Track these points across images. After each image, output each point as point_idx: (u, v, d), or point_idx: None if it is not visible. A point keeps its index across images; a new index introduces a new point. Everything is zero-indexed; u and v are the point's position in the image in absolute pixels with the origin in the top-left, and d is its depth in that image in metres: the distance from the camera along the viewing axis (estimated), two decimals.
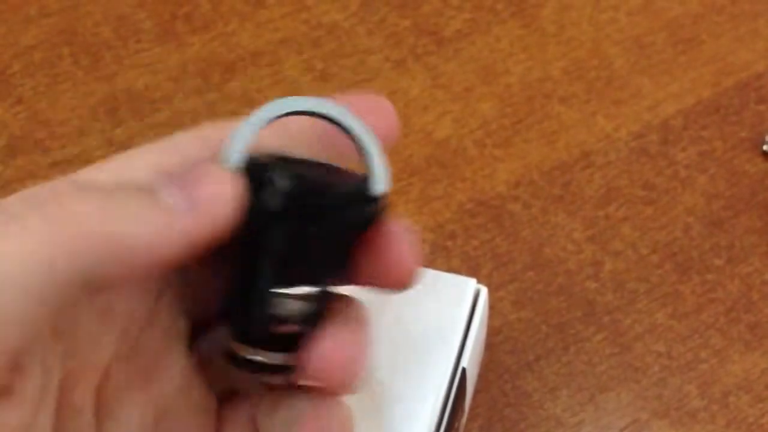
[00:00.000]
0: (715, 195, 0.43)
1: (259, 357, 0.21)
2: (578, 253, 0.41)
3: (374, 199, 0.21)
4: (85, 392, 0.20)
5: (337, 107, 0.21)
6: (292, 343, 0.21)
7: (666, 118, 0.46)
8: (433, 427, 0.29)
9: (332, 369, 0.21)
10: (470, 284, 0.32)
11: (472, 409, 0.37)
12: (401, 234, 0.21)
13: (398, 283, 0.22)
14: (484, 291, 0.33)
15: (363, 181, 0.21)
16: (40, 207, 0.18)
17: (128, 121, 0.47)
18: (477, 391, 0.37)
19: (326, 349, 0.21)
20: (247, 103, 0.47)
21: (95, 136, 0.46)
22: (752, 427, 0.36)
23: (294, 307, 0.21)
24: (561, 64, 0.49)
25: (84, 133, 0.46)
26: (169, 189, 0.19)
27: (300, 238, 0.20)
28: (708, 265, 0.41)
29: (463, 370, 0.31)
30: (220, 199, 0.19)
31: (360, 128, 0.21)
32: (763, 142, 0.45)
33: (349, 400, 0.29)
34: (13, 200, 0.18)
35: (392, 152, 0.45)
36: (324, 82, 0.48)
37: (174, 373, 0.22)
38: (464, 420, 0.35)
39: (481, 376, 0.37)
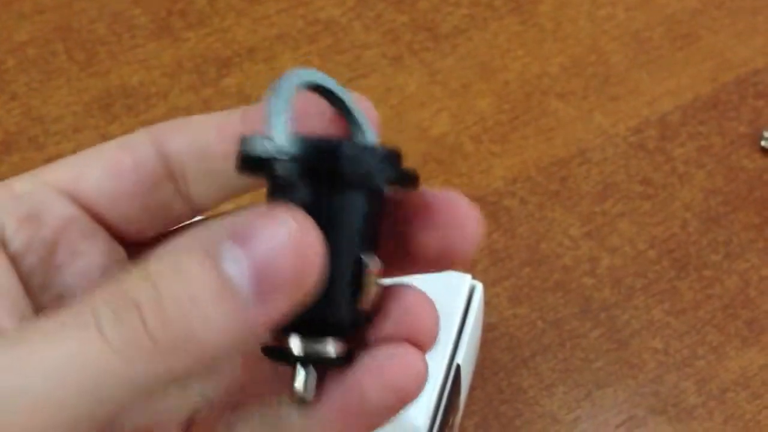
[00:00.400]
0: (713, 191, 0.43)
1: (321, 349, 0.20)
2: (575, 249, 0.41)
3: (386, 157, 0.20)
4: None
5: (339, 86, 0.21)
6: (353, 329, 0.20)
7: (664, 113, 0.46)
8: (427, 423, 0.29)
9: (424, 319, 0.19)
10: (465, 280, 0.32)
11: (467, 405, 0.36)
12: (452, 197, 0.20)
13: (463, 251, 0.20)
14: (479, 287, 0.32)
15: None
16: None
17: (123, 117, 0.46)
18: (473, 388, 0.37)
19: (415, 299, 0.19)
20: (243, 99, 0.47)
21: (90, 132, 0.46)
22: (749, 424, 0.36)
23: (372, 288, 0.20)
24: (558, 60, 0.48)
25: (78, 129, 0.46)
26: (236, 263, 0.17)
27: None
28: (705, 261, 0.41)
29: (458, 366, 0.30)
30: (293, 275, 0.17)
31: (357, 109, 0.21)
32: (761, 138, 0.45)
33: None
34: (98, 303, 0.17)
35: None
36: None
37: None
38: (459, 416, 0.34)
39: (477, 373, 0.37)
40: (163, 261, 0.17)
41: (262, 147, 0.19)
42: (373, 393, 0.19)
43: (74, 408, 0.16)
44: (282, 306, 0.17)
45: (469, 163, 0.44)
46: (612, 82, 0.47)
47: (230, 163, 0.20)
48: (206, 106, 0.47)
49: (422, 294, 0.20)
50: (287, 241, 0.17)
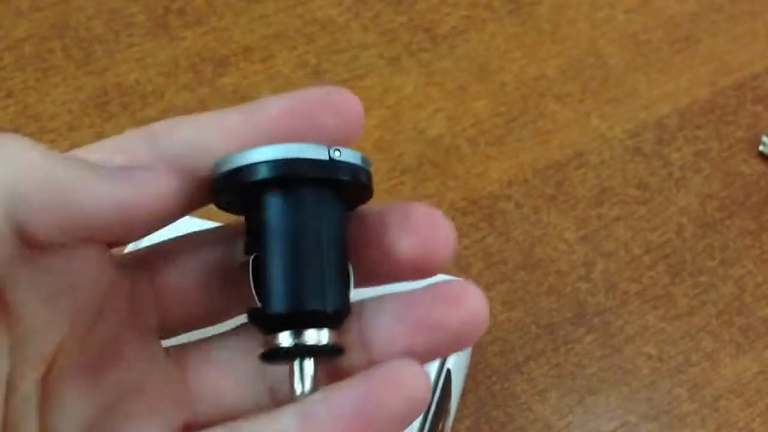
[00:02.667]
0: (710, 196, 0.43)
1: (312, 339, 0.20)
2: (570, 253, 0.41)
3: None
4: (31, 382, 0.20)
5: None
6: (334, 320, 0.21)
7: (661, 117, 0.46)
8: (416, 428, 0.29)
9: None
10: None
11: (459, 410, 0.36)
12: (425, 206, 0.21)
13: (440, 256, 0.21)
14: None
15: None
16: None
17: (119, 116, 0.46)
18: (464, 392, 0.37)
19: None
20: (239, 98, 0.47)
21: (85, 130, 0.46)
22: None
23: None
24: (556, 63, 0.48)
25: (74, 127, 0.46)
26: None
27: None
28: (701, 267, 0.41)
29: (448, 371, 0.30)
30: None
31: None
32: (760, 143, 0.44)
33: None
34: None
35: (384, 150, 0.45)
36: (317, 78, 0.48)
37: (137, 359, 0.21)
38: (450, 421, 0.34)
39: (469, 377, 0.37)
40: None
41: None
42: (391, 402, 0.20)
43: None
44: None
45: (465, 165, 0.44)
46: (610, 85, 0.47)
47: None
48: (202, 105, 0.46)
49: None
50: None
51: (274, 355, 0.21)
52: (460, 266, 0.40)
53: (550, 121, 0.46)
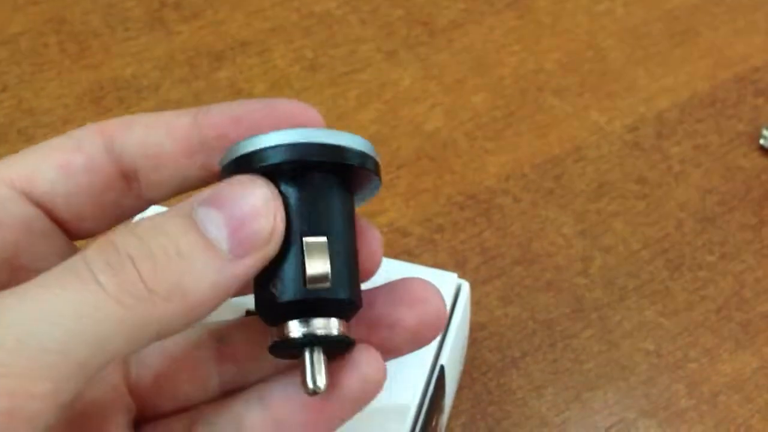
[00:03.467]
0: (709, 190, 0.42)
1: (322, 328, 0.20)
2: (568, 248, 0.41)
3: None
4: None
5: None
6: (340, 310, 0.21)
7: (661, 111, 0.45)
8: (409, 424, 0.28)
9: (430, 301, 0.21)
10: (451, 279, 0.32)
11: (455, 406, 0.36)
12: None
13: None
14: (465, 286, 0.32)
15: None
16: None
17: (114, 110, 0.46)
18: (460, 388, 0.36)
19: (418, 285, 0.21)
20: (235, 92, 0.46)
21: (80, 124, 0.45)
22: (741, 428, 0.36)
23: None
24: (555, 56, 0.48)
25: (69, 121, 0.45)
26: (214, 223, 0.19)
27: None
28: (700, 262, 0.40)
29: (441, 368, 0.30)
30: (266, 234, 0.19)
31: None
32: (760, 137, 0.44)
33: None
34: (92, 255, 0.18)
35: (381, 144, 0.45)
36: (313, 72, 0.47)
37: None
38: (445, 417, 0.34)
39: (465, 373, 0.37)
40: (146, 223, 0.18)
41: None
42: (348, 382, 0.20)
43: (76, 354, 0.17)
44: (256, 263, 0.19)
45: (462, 159, 0.44)
46: (608, 79, 0.47)
47: (181, 162, 0.20)
48: (198, 99, 0.46)
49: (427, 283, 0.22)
50: (261, 206, 0.19)
51: (286, 347, 0.20)
52: (457, 261, 0.40)
53: (548, 115, 0.45)
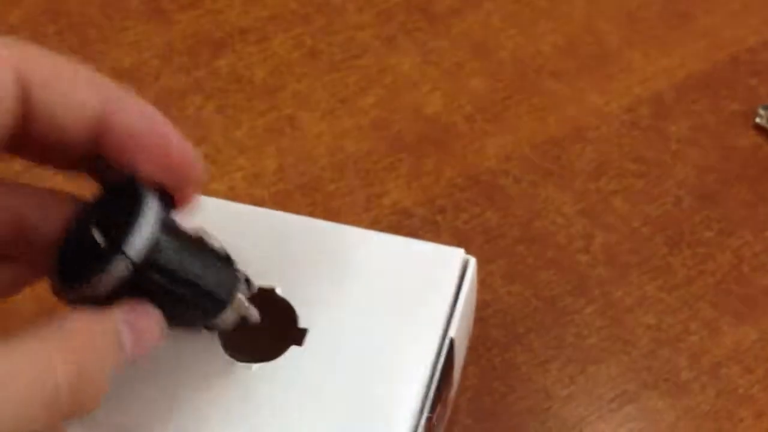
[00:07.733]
0: (707, 168, 0.43)
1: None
2: (569, 226, 0.41)
3: None
4: None
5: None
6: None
7: (658, 92, 0.46)
8: (420, 397, 0.29)
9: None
10: (458, 254, 0.32)
11: (461, 382, 0.36)
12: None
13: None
14: (472, 261, 0.32)
15: None
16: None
17: None
18: (466, 365, 0.37)
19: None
20: (235, 80, 0.47)
21: None
22: (742, 398, 0.36)
23: None
24: (552, 40, 0.48)
25: None
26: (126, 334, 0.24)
27: None
28: (699, 238, 0.41)
29: (451, 340, 0.30)
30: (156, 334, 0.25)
31: None
32: (755, 116, 0.44)
33: (336, 370, 0.29)
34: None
35: (381, 128, 0.45)
36: (313, 59, 0.48)
37: None
38: (453, 392, 0.34)
39: (471, 350, 0.37)
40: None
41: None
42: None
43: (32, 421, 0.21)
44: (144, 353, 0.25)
45: (462, 142, 0.44)
46: (606, 61, 0.47)
47: (72, 133, 0.25)
48: (198, 88, 0.46)
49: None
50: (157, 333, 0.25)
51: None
52: (459, 241, 0.41)
53: (546, 97, 0.46)
